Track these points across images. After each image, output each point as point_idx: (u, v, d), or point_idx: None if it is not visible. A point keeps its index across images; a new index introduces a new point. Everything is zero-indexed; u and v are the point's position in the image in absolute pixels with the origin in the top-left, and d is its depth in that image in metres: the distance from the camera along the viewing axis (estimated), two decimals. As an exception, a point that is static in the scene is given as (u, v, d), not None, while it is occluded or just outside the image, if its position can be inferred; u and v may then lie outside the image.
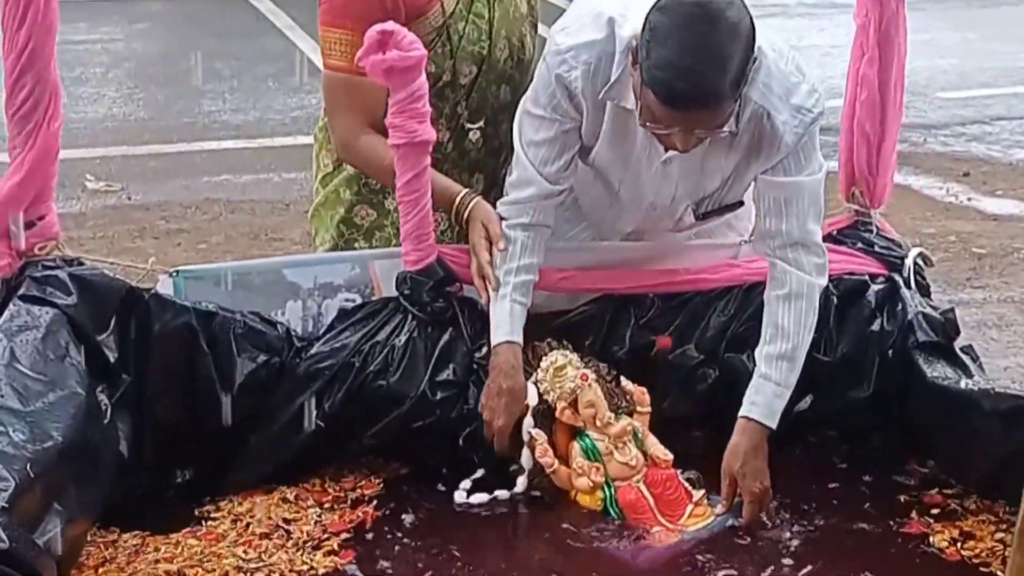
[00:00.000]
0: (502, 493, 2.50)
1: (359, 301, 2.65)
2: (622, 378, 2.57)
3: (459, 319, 2.60)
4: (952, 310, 2.67)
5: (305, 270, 2.65)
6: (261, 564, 2.25)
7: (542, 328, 2.61)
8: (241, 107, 7.39)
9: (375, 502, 2.49)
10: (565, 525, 2.43)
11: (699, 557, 2.32)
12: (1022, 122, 7.37)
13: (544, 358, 2.52)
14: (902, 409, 2.60)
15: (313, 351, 2.53)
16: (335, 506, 2.47)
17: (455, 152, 2.76)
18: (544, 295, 2.62)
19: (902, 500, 2.52)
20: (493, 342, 2.51)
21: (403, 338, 2.55)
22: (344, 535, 2.36)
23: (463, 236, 2.83)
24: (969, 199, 6.02)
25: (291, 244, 4.99)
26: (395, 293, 2.58)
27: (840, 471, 2.64)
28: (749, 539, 2.37)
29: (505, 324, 2.50)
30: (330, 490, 2.54)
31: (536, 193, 2.50)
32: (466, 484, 2.53)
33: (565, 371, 2.49)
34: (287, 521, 2.41)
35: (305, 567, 2.25)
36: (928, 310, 2.63)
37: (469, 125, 2.74)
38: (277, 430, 2.51)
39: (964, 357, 2.61)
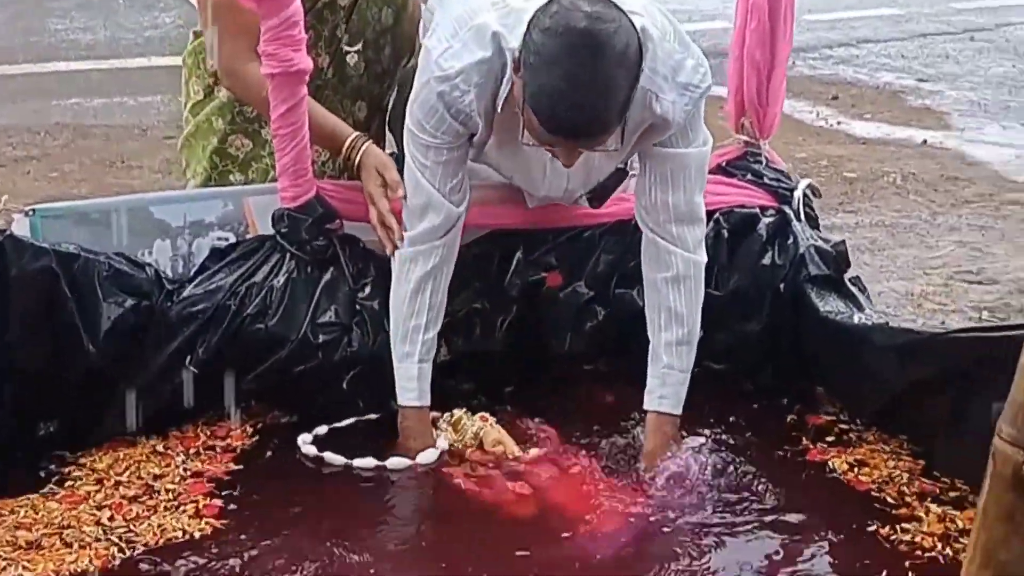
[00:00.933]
0: (364, 462, 2.38)
1: (233, 240, 2.52)
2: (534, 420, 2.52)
3: (340, 258, 2.49)
4: (843, 242, 2.67)
5: (174, 207, 2.51)
6: (126, 532, 2.12)
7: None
8: (90, 25, 7.05)
9: (248, 453, 2.39)
10: (444, 486, 2.35)
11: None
12: (887, 44, 7.48)
13: (440, 420, 2.46)
14: (794, 343, 2.58)
15: (185, 294, 2.39)
16: (205, 457, 2.37)
17: (335, 78, 2.65)
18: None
19: (797, 430, 2.52)
20: (401, 403, 2.42)
21: (281, 279, 2.43)
22: (212, 490, 2.26)
23: (345, 168, 2.72)
24: (839, 123, 6.08)
25: (150, 172, 4.77)
26: (271, 231, 2.46)
27: (734, 403, 2.61)
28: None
29: (413, 387, 2.41)
30: (202, 435, 2.44)
31: (443, 222, 2.35)
32: (307, 437, 2.44)
33: (463, 420, 2.44)
34: (156, 478, 2.30)
35: (177, 533, 2.12)
36: (820, 243, 2.62)
37: (348, 48, 2.64)
38: (148, 378, 2.38)
39: (854, 289, 2.60)
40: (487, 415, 2.45)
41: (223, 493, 2.25)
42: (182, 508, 2.19)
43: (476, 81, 2.18)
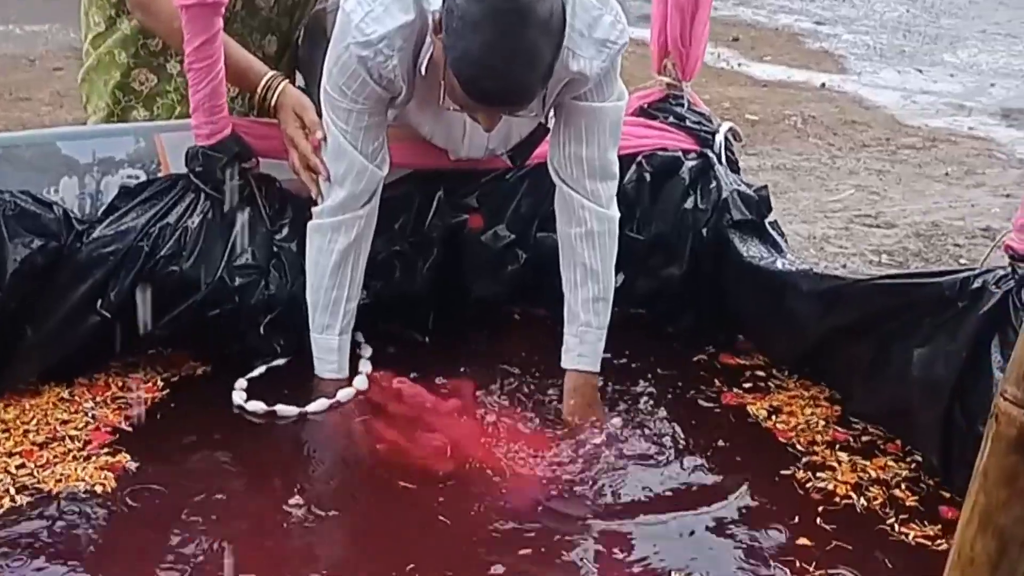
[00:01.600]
0: (286, 410, 2.31)
1: (144, 178, 2.41)
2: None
3: (257, 198, 2.41)
4: (766, 187, 2.66)
5: (82, 143, 2.39)
6: (32, 482, 2.04)
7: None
8: (-29, -51, 6.72)
9: (156, 403, 2.31)
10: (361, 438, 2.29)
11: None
12: (785, -14, 7.54)
13: None
14: (716, 288, 2.58)
15: (96, 234, 2.28)
16: (112, 407, 2.28)
17: (244, 10, 2.56)
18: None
19: (713, 373, 2.53)
20: (319, 374, 2.39)
21: (196, 219, 2.34)
22: (116, 442, 2.17)
23: (255, 107, 2.64)
24: (739, 64, 6.13)
25: (41, 105, 4.58)
26: (185, 170, 2.36)
27: (654, 347, 2.60)
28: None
29: (333, 360, 2.39)
30: (113, 386, 2.35)
31: (365, 187, 2.30)
32: (242, 383, 2.37)
33: None
34: (63, 423, 2.21)
35: (78, 484, 2.04)
36: (742, 187, 2.60)
37: None
38: (56, 322, 2.27)
39: (774, 234, 2.60)
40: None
41: (127, 445, 2.16)
42: (90, 458, 2.11)
43: (399, 46, 2.12)
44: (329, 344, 2.37)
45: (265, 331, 2.39)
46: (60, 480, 2.04)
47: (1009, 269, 2.08)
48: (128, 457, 2.12)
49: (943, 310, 2.12)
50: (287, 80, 2.40)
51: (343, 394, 2.35)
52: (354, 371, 2.42)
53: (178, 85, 2.55)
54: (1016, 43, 7.10)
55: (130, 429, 2.22)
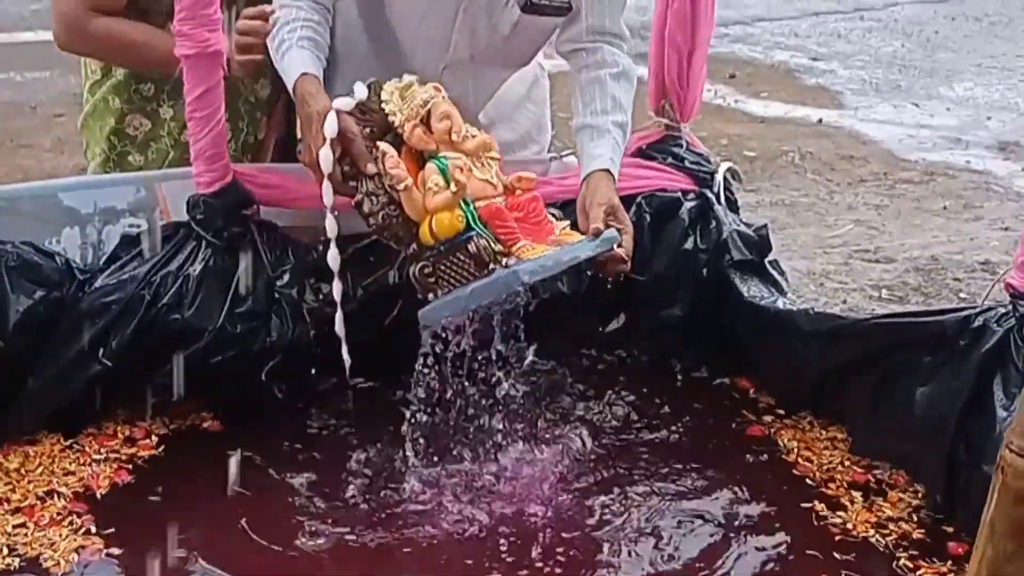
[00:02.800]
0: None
1: (145, 227, 2.41)
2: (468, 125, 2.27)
3: (257, 244, 2.40)
4: (765, 226, 2.67)
5: (84, 193, 2.40)
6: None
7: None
8: (-28, -1, 6.78)
9: (144, 464, 2.27)
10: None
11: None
12: (781, 23, 7.58)
13: (386, 85, 2.21)
14: (717, 328, 2.58)
15: (97, 284, 2.28)
16: (105, 461, 2.26)
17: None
18: (344, 217, 2.41)
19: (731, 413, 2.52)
20: (289, 84, 2.25)
21: (197, 267, 2.33)
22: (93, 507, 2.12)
23: (248, 148, 2.65)
24: (736, 101, 6.15)
25: (42, 151, 4.60)
26: (186, 218, 2.36)
27: (664, 386, 2.60)
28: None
29: (296, 65, 2.23)
30: (105, 440, 2.31)
31: None
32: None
33: (413, 87, 2.19)
34: (67, 474, 2.20)
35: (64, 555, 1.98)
36: (742, 227, 2.61)
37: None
38: (58, 371, 2.26)
39: (774, 272, 2.61)
40: (440, 86, 2.20)
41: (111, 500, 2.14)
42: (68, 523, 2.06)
43: None
44: (290, 55, 2.26)
45: (267, 377, 2.38)
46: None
47: (1010, 307, 2.08)
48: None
49: (945, 348, 2.13)
50: None
51: (340, 102, 2.16)
52: None
53: (171, 129, 2.58)
54: (1011, 76, 7.13)
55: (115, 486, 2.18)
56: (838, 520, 2.13)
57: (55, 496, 2.13)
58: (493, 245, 2.09)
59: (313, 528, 2.09)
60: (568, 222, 2.24)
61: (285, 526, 2.09)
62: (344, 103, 2.15)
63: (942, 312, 2.16)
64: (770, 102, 6.21)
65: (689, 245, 2.60)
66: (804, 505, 2.17)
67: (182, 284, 2.31)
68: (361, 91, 2.18)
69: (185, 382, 2.35)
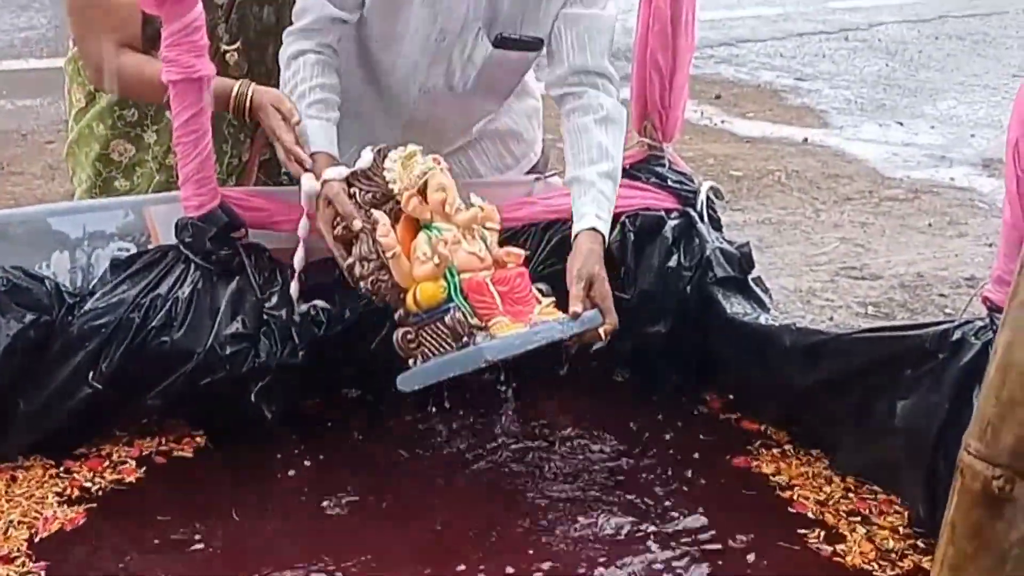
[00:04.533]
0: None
1: (134, 250, 2.44)
2: (472, 194, 2.37)
3: (246, 267, 2.43)
4: (747, 244, 2.70)
5: (73, 218, 2.42)
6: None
7: (329, 275, 2.46)
8: (-39, 28, 6.80)
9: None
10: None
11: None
12: (766, 44, 7.63)
13: (391, 152, 2.32)
14: (700, 345, 2.60)
15: (87, 307, 2.30)
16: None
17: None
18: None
19: (715, 434, 2.53)
20: (311, 151, 2.37)
21: (186, 290, 2.36)
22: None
23: (233, 171, 2.67)
24: (723, 121, 6.18)
25: (33, 179, 4.62)
26: (174, 241, 2.39)
27: (644, 408, 2.61)
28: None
29: (319, 138, 2.37)
30: (101, 464, 2.32)
31: (320, 15, 2.42)
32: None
33: (415, 158, 2.29)
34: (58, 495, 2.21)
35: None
36: (725, 245, 2.64)
37: (227, 48, 2.59)
38: (48, 395, 2.29)
39: (757, 290, 2.64)
40: (440, 158, 2.31)
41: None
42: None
43: None
44: (307, 126, 2.37)
45: (256, 398, 2.40)
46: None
47: (988, 320, 2.11)
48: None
49: (924, 362, 2.15)
50: (254, 83, 2.45)
51: (332, 171, 2.32)
52: None
53: (156, 154, 2.61)
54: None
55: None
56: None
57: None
58: (470, 319, 2.19)
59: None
60: (552, 300, 2.31)
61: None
62: (336, 173, 2.30)
63: (921, 326, 2.18)
64: (756, 122, 6.25)
65: (673, 263, 2.63)
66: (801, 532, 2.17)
67: (171, 307, 2.33)
68: (367, 157, 2.32)
69: (175, 404, 2.38)
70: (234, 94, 2.41)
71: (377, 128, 2.58)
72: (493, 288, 2.24)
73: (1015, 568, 0.82)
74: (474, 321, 2.19)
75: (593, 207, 2.39)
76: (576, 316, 2.24)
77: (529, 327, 2.19)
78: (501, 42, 2.47)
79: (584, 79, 2.48)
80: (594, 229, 2.37)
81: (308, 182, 2.32)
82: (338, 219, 2.29)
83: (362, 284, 2.27)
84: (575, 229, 2.39)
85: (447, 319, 2.18)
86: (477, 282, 2.23)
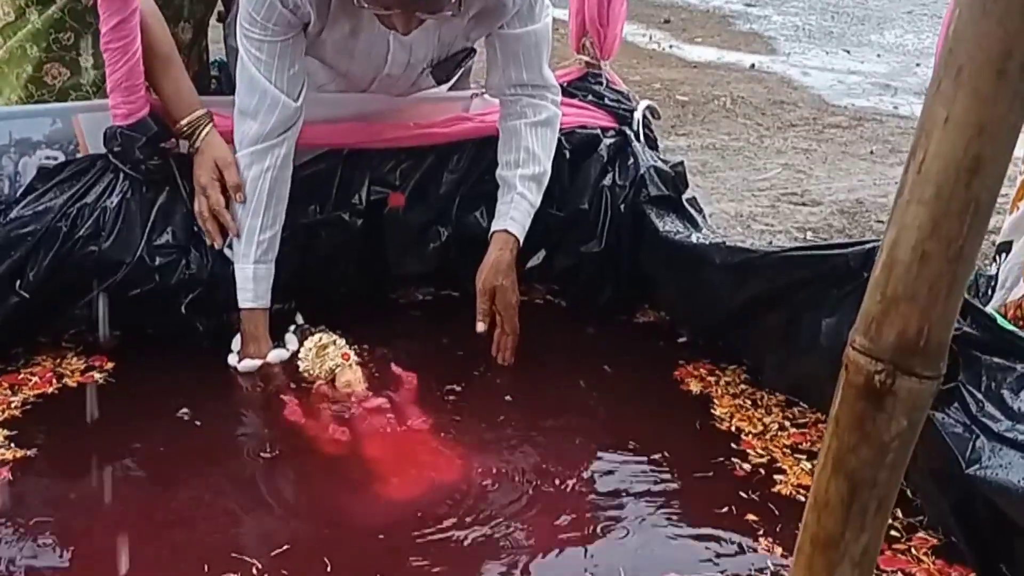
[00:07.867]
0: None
1: (62, 159, 2.41)
2: (392, 364, 2.42)
3: (176, 177, 2.41)
4: (682, 163, 2.70)
5: (-1, 124, 2.37)
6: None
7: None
8: None
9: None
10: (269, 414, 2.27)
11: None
12: (717, -31, 7.59)
13: (309, 338, 2.39)
14: (633, 263, 2.62)
15: (13, 215, 2.28)
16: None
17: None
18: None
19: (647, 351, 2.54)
20: (240, 304, 2.38)
21: (115, 199, 2.34)
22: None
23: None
24: (671, 46, 6.16)
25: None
26: (103, 150, 2.36)
27: (578, 322, 2.64)
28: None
29: (250, 288, 2.38)
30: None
31: (279, 121, 2.33)
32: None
33: (327, 350, 2.37)
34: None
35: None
36: (659, 164, 2.64)
37: None
38: (-28, 304, 2.27)
39: (691, 210, 2.64)
40: (350, 353, 2.38)
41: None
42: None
43: None
44: (245, 273, 2.38)
45: (186, 310, 2.40)
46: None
47: (912, 240, 2.13)
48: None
49: (849, 280, 2.17)
50: (213, 126, 2.40)
51: (274, 355, 2.39)
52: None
53: (93, 78, 2.54)
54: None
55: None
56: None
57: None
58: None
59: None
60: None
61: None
62: (276, 355, 2.40)
63: (847, 245, 2.19)
64: (704, 47, 6.24)
65: (607, 181, 2.63)
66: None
67: (99, 216, 2.32)
68: (292, 342, 2.42)
69: (106, 315, 2.37)
70: (188, 120, 2.38)
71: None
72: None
73: (895, 459, 0.84)
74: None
75: (510, 209, 2.46)
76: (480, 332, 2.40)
77: None
78: (439, 67, 2.52)
79: (520, 90, 2.50)
80: (507, 231, 2.44)
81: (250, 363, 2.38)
82: None
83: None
84: (493, 227, 2.47)
85: None
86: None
